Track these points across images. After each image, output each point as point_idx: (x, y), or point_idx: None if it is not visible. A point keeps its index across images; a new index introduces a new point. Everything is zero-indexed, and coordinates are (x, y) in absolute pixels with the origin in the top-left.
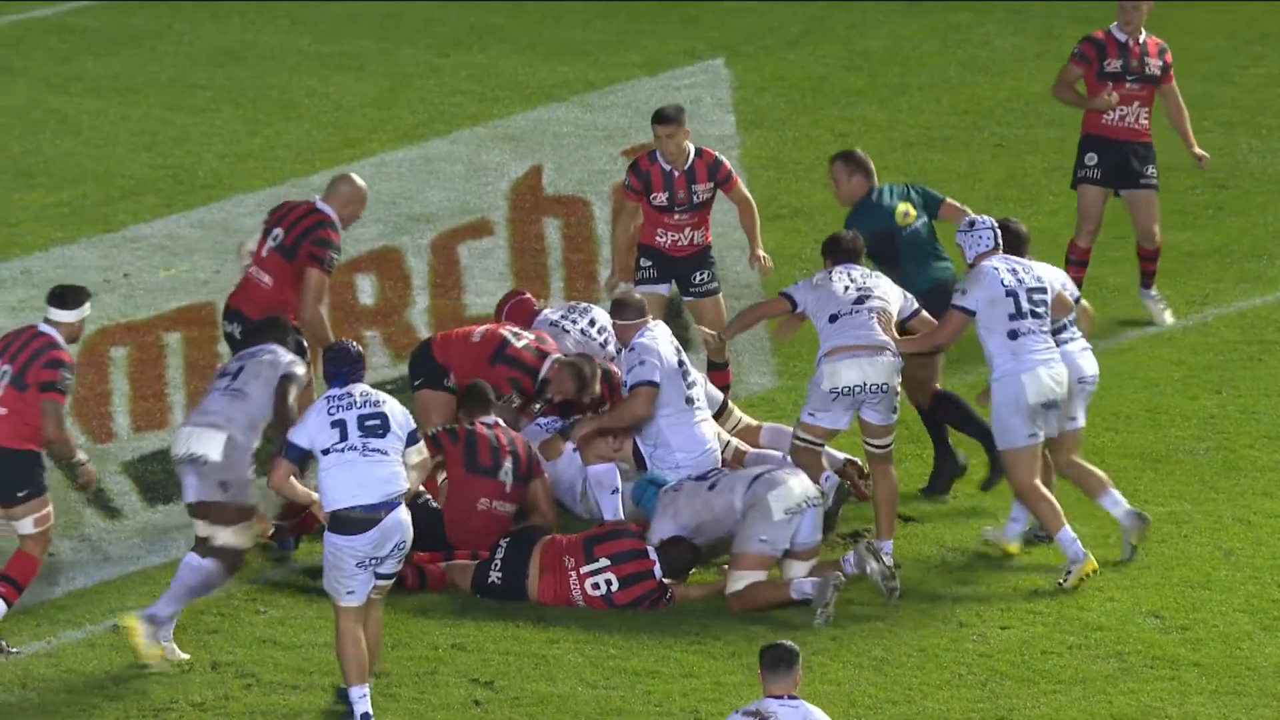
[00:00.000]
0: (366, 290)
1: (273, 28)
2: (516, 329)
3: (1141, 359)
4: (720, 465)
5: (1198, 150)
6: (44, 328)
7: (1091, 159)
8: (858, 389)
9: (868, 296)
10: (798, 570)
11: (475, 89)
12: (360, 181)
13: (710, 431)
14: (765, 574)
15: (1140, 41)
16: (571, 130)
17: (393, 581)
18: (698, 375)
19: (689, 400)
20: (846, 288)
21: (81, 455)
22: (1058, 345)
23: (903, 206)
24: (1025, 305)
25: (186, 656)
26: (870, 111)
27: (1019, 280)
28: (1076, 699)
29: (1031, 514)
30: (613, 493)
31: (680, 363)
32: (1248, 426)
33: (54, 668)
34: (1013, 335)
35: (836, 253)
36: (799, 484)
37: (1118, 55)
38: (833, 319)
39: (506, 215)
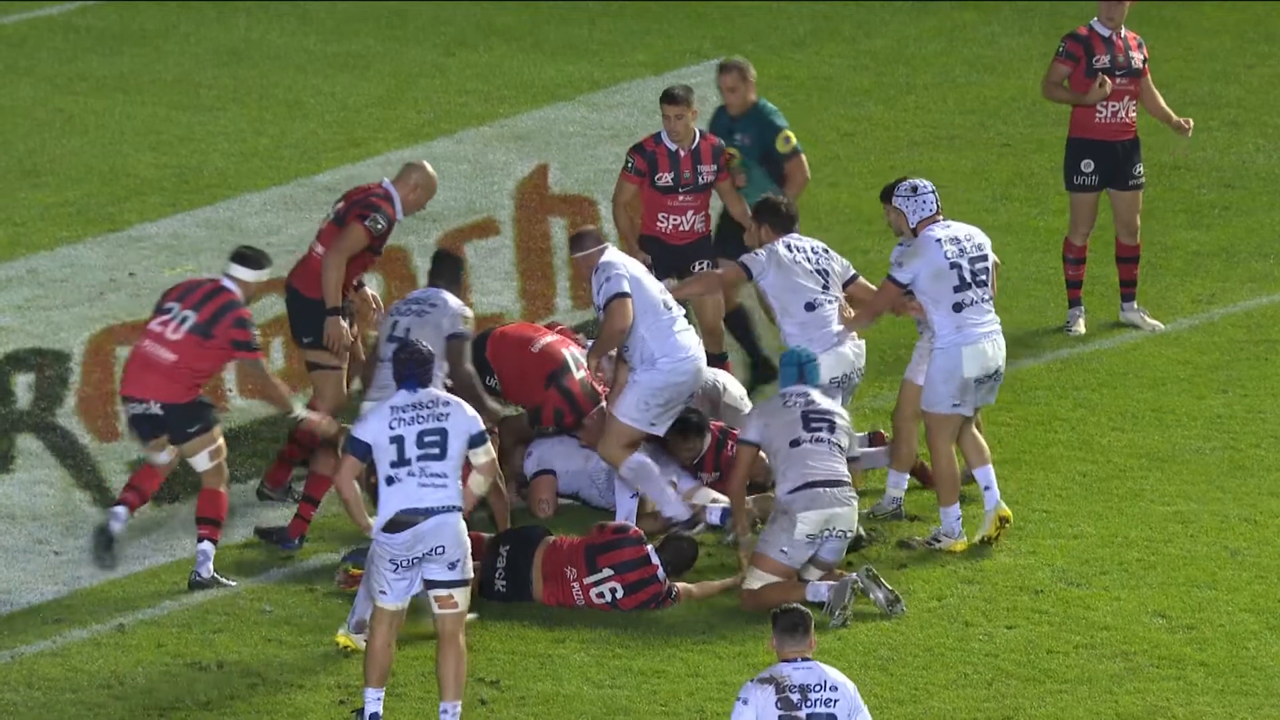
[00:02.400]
0: (373, 289)
1: (278, 27)
2: (579, 354)
3: (1148, 358)
4: (704, 380)
5: (1178, 119)
6: (226, 283)
7: (1088, 166)
8: (842, 379)
9: (828, 277)
10: (814, 575)
11: (481, 88)
12: (431, 170)
13: (691, 340)
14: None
15: (1122, 36)
16: (577, 129)
17: (453, 594)
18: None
19: (666, 305)
20: (808, 268)
21: (299, 410)
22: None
23: (786, 133)
24: (969, 276)
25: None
26: (876, 111)
27: (961, 250)
28: (1082, 698)
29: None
30: (631, 497)
31: (649, 277)
32: (1254, 426)
33: (60, 667)
34: (957, 307)
35: (778, 220)
36: (836, 516)
37: (1104, 50)
38: (809, 307)
39: (512, 214)
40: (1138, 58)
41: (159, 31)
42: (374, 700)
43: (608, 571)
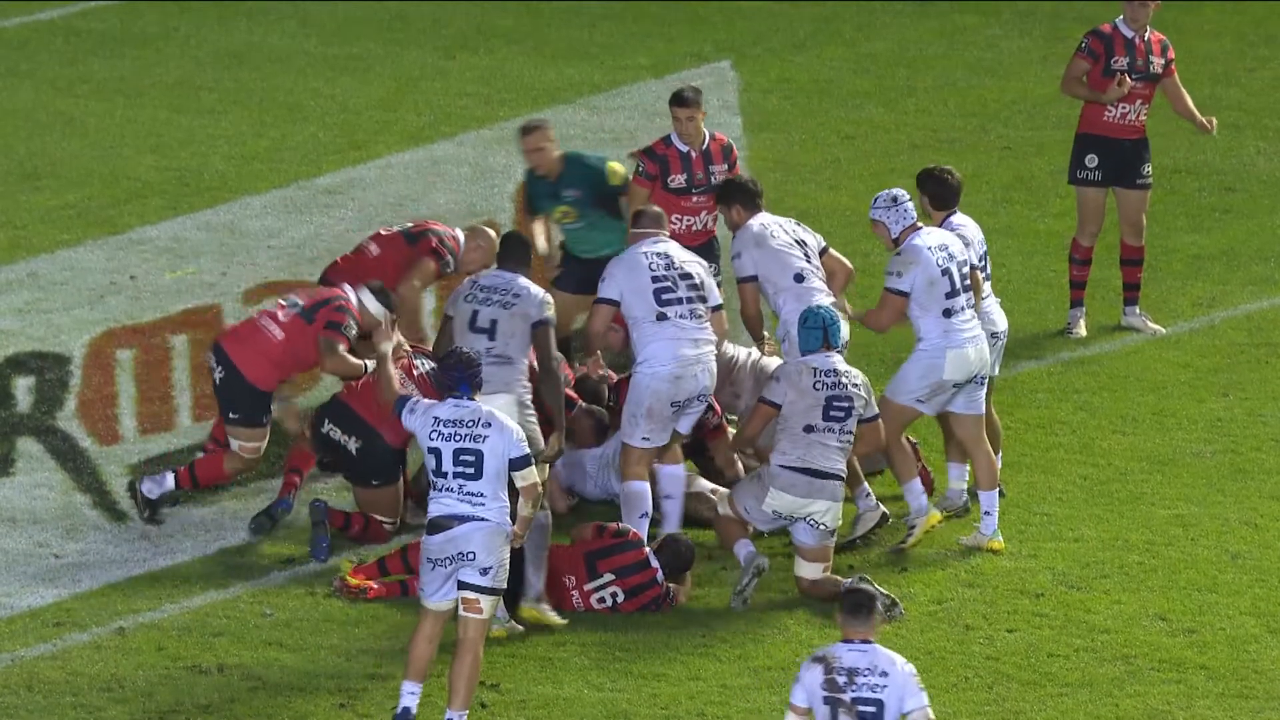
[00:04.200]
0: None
1: (279, 30)
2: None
3: (1149, 362)
4: (702, 387)
5: (1203, 119)
6: (347, 289)
7: (1092, 160)
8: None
9: (805, 247)
10: (805, 570)
11: (482, 91)
12: (495, 239)
13: (688, 352)
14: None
15: (1145, 39)
16: (578, 133)
17: (480, 599)
18: (694, 294)
19: (660, 316)
20: (785, 239)
21: (367, 364)
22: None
23: (610, 166)
24: (958, 282)
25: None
26: (877, 114)
27: (950, 255)
28: (1083, 702)
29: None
30: (641, 516)
31: (658, 279)
32: (1255, 429)
33: (60, 670)
34: (947, 314)
35: (746, 197)
36: (813, 507)
37: (1124, 52)
38: (798, 278)
39: (513, 218)
40: (1158, 62)
41: (159, 34)
42: (407, 694)
43: (609, 576)
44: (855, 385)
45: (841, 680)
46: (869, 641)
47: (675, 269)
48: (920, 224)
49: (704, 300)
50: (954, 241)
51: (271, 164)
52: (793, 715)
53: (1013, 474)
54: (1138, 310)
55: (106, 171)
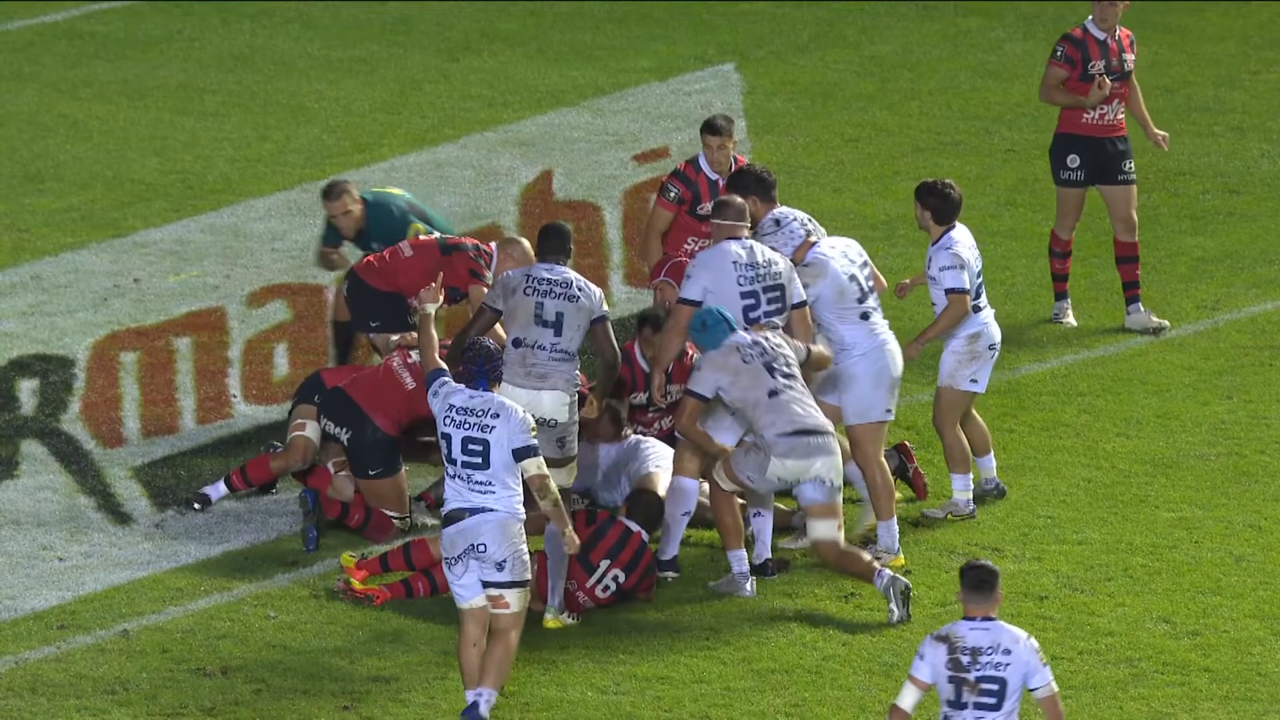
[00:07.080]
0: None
1: (283, 32)
2: None
3: (1152, 364)
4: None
5: (1156, 132)
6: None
7: (1074, 161)
8: None
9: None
10: (820, 529)
11: (485, 94)
12: (528, 247)
13: None
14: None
15: (1116, 38)
16: (582, 135)
17: (504, 595)
18: (774, 307)
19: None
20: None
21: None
22: (975, 311)
23: (415, 227)
24: (865, 285)
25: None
26: (880, 117)
27: (851, 260)
28: (1086, 705)
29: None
30: (684, 514)
31: (746, 295)
32: (1258, 432)
33: (64, 673)
34: (865, 316)
35: (762, 187)
36: (816, 465)
37: (1100, 55)
38: None
39: (517, 220)
40: (1130, 59)
41: (163, 37)
42: (470, 695)
43: (605, 564)
44: (782, 345)
45: (965, 660)
46: (991, 618)
47: (760, 280)
48: (813, 239)
49: (781, 311)
50: (852, 246)
51: (275, 166)
52: (913, 687)
53: (1016, 476)
54: (1140, 308)
55: (110, 174)
